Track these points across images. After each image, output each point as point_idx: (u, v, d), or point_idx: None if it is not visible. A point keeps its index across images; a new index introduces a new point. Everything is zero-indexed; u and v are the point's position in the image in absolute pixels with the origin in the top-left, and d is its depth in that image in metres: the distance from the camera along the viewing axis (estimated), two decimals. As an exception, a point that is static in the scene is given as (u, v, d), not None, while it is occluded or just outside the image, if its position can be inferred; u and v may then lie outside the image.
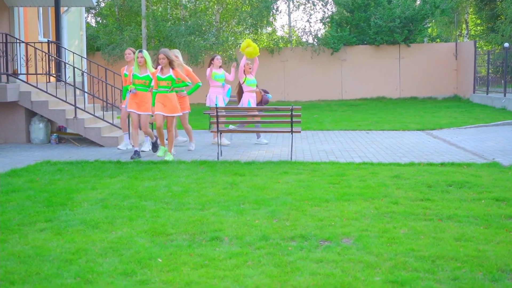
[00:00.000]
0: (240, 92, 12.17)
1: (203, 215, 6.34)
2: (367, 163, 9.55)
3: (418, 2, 26.37)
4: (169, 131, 10.17)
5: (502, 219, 6.08)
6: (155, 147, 10.75)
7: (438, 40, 29.21)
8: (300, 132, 10.31)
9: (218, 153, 10.14)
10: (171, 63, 9.91)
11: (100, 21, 29.87)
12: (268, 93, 12.52)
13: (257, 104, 11.99)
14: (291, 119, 9.83)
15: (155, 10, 27.27)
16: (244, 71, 12.07)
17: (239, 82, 12.14)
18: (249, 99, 12.00)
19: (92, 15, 29.63)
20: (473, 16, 38.28)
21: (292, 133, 10.13)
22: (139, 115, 10.15)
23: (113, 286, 4.38)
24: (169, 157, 9.87)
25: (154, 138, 10.70)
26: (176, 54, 10.98)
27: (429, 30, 31.08)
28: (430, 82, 25.49)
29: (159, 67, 10.07)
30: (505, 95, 20.66)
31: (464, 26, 40.50)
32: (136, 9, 26.83)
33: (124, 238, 5.55)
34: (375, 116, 18.00)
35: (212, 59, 12.29)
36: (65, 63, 14.27)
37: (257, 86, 12.23)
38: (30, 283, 4.45)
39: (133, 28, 26.35)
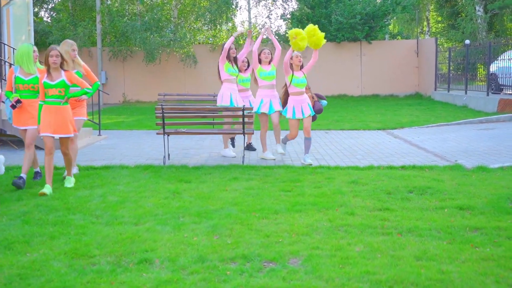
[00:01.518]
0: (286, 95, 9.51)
1: (136, 231, 5.60)
2: (324, 167, 8.94)
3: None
4: (65, 155, 7.69)
5: (467, 231, 5.49)
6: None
7: (399, 37, 28.99)
8: (253, 133, 9.62)
9: (165, 157, 9.38)
10: (62, 64, 7.44)
11: (54, 15, 28.77)
12: (323, 98, 9.88)
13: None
14: (243, 119, 9.13)
15: (111, 5, 26.29)
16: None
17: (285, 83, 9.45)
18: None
19: (45, 10, 28.48)
20: (434, 13, 38.21)
21: (244, 135, 9.43)
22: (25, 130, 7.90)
23: None
24: (69, 184, 7.67)
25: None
26: (73, 48, 8.34)
27: (390, 27, 30.76)
28: (391, 79, 25.14)
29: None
30: (466, 93, 20.35)
31: (425, 23, 40.41)
32: (91, 3, 25.86)
33: (38, 262, 4.76)
34: (336, 115, 17.46)
35: (259, 54, 9.74)
36: (5, 61, 13.39)
37: (308, 87, 9.55)
38: None
39: (87, 23, 25.35)
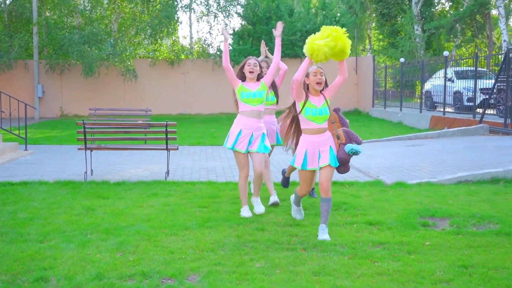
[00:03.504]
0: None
1: (39, 248, 5.50)
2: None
3: (319, 17, 26.50)
4: None
5: (370, 246, 5.62)
6: None
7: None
8: (177, 149, 9.61)
9: (86, 172, 9.26)
10: None
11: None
12: (356, 139, 6.03)
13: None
14: (166, 135, 9.13)
15: (49, 17, 25.93)
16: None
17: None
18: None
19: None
20: (376, 32, 39.14)
21: (168, 150, 9.43)
22: None
23: None
24: None
25: None
26: None
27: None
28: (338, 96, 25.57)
29: None
30: (401, 110, 20.90)
31: (367, 41, 41.33)
32: (28, 15, 25.42)
33: None
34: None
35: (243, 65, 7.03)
36: None
37: (332, 121, 6.17)
38: None
39: (23, 35, 24.89)
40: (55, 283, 4.65)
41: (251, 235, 5.98)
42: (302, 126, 6.08)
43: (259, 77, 6.97)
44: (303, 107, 5.95)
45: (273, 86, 7.82)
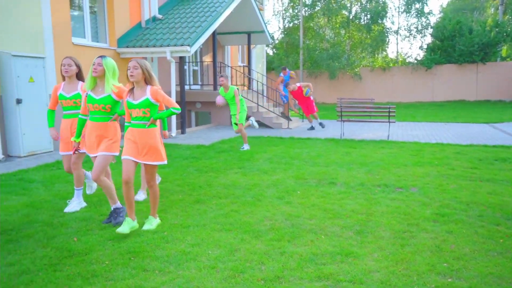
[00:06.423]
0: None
1: (326, 170, 6.71)
2: (439, 144, 9.23)
3: (493, 33, 23.83)
4: (150, 185, 3.96)
5: (527, 182, 5.75)
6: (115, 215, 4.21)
7: (508, 59, 26.12)
8: (395, 122, 10.15)
9: (342, 134, 10.31)
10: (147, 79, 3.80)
11: (275, 51, 30.85)
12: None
13: None
14: (389, 114, 9.78)
15: (308, 44, 27.30)
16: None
17: None
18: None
19: (270, 48, 30.72)
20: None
21: (389, 123, 10.07)
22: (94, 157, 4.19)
23: (272, 204, 4.84)
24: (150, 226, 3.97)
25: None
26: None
27: (504, 51, 27.81)
28: (500, 88, 23.05)
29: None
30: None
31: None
32: (296, 43, 27.11)
33: (280, 179, 5.98)
34: (454, 113, 16.86)
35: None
36: (252, 78, 15.29)
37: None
38: (229, 198, 5.05)
39: (294, 55, 26.71)
40: (339, 187, 5.78)
41: (446, 171, 6.39)
42: None
43: None
44: None
45: None
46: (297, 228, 4.03)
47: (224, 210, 4.63)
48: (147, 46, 10.65)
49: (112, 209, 4.23)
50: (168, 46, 10.43)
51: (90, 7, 10.21)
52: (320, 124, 11.46)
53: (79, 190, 4.72)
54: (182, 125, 11.21)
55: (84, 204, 4.79)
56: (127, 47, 10.76)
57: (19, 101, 7.78)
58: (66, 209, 4.57)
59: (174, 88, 10.59)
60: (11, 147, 7.89)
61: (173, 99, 8.85)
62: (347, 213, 4.47)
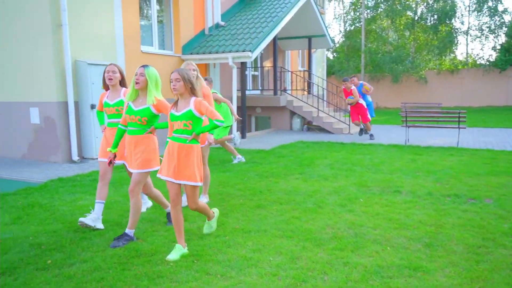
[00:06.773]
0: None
1: (390, 177, 6.48)
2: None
3: None
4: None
5: None
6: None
7: None
8: (465, 128, 9.59)
9: (406, 140, 9.91)
10: (192, 90, 3.51)
11: (335, 55, 30.48)
12: None
13: None
14: (458, 119, 9.26)
15: (370, 47, 26.62)
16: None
17: None
18: None
19: (331, 51, 30.40)
20: None
21: (459, 129, 9.53)
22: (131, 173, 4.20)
23: (334, 211, 4.76)
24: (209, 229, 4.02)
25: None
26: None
27: None
28: None
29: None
30: None
31: None
32: (358, 46, 26.61)
33: (341, 186, 5.88)
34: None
35: None
36: (312, 83, 15.18)
37: None
38: (289, 204, 5.00)
39: (355, 59, 26.28)
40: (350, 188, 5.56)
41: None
42: None
43: None
44: None
45: None
46: (360, 238, 3.91)
47: (285, 216, 4.60)
48: (210, 53, 10.94)
49: (166, 212, 4.45)
50: (230, 52, 10.65)
51: (158, 16, 10.70)
52: (361, 130, 10.98)
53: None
54: (243, 130, 11.37)
55: (150, 203, 5.02)
56: (191, 53, 11.13)
57: (93, 107, 8.30)
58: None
59: (235, 93, 10.76)
60: (85, 149, 8.45)
61: (233, 105, 8.88)
62: (414, 224, 4.29)
